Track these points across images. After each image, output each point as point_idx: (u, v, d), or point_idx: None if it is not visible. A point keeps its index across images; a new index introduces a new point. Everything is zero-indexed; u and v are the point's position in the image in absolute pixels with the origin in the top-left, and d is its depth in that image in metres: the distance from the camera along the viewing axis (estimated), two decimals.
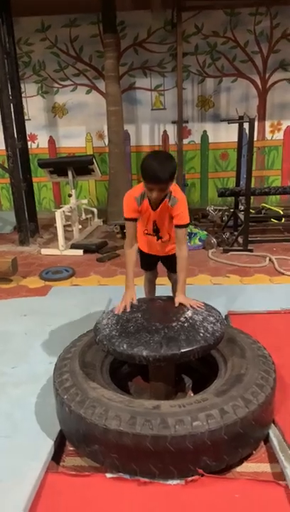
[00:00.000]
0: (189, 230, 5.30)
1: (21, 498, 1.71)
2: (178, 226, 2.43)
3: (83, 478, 1.85)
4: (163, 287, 3.11)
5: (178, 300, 2.34)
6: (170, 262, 2.71)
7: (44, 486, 1.81)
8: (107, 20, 5.63)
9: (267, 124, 6.57)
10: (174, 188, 2.40)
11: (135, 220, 2.48)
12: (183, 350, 1.96)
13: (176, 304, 2.33)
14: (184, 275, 2.44)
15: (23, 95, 5.80)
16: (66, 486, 1.83)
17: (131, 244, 2.51)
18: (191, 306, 2.29)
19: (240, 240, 4.96)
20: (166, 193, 2.36)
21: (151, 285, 3.06)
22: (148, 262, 2.92)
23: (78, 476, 1.87)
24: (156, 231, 2.58)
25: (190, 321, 2.15)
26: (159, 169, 2.19)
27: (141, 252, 2.83)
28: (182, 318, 2.16)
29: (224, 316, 3.08)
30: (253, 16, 6.10)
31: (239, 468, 1.93)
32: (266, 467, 1.94)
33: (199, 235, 5.14)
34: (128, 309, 2.30)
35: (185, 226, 2.45)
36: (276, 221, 5.49)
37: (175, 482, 1.81)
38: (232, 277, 4.19)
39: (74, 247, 5.18)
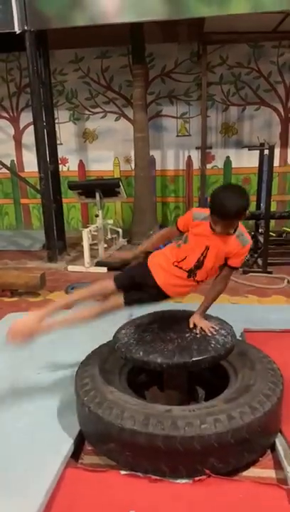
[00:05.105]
0: None
1: (42, 487, 1.88)
2: (232, 267, 2.31)
3: (99, 474, 2.01)
4: None
5: (192, 319, 2.39)
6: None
7: (63, 479, 1.98)
8: (137, 52, 6.01)
9: (289, 150, 6.75)
10: (242, 228, 2.27)
11: (179, 231, 2.38)
12: (194, 359, 2.13)
13: (190, 325, 2.36)
14: (211, 299, 2.38)
15: (56, 121, 6.18)
16: (83, 479, 1.99)
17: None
18: (202, 329, 2.32)
19: (260, 262, 5.08)
20: (233, 228, 2.23)
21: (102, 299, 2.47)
22: (132, 282, 2.41)
23: (95, 471, 2.04)
24: (197, 267, 2.27)
25: (203, 332, 2.31)
26: (227, 204, 2.09)
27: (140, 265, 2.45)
28: (195, 330, 2.32)
29: (240, 333, 3.22)
30: (276, 48, 6.36)
31: (245, 473, 2.05)
32: (271, 473, 2.06)
33: None
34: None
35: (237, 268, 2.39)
36: None
37: (183, 481, 1.95)
38: (250, 297, 4.31)
39: (99, 264, 5.42)
